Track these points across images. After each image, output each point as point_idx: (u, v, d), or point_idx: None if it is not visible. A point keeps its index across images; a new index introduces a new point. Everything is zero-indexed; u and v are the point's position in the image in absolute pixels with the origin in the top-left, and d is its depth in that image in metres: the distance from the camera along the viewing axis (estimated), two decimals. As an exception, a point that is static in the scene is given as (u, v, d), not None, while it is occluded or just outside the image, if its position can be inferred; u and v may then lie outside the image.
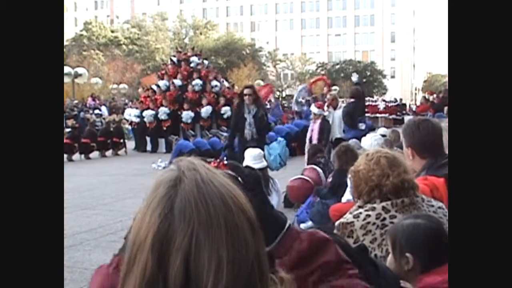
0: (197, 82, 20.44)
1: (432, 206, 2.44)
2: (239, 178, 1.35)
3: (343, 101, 14.41)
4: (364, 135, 8.14)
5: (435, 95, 24.16)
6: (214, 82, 21.14)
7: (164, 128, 19.24)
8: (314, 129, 11.23)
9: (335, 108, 12.08)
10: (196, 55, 22.58)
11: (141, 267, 0.97)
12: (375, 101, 36.18)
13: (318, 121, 11.14)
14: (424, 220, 2.11)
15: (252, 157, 6.05)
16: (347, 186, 5.38)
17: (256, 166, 5.87)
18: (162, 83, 20.74)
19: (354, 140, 8.48)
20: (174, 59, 22.35)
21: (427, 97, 24.00)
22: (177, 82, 20.52)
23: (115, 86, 41.76)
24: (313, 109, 11.58)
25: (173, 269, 0.94)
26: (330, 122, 11.61)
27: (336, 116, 11.99)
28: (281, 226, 1.37)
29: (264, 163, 6.11)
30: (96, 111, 24.35)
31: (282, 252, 1.36)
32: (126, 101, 31.86)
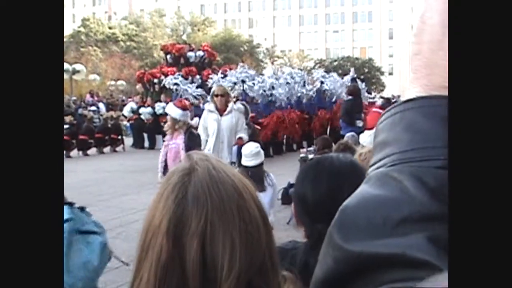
0: (196, 77, 20.36)
1: None
2: None
3: (236, 101, 10.03)
4: (362, 131, 8.12)
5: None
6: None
7: (162, 124, 19.17)
8: (173, 147, 6.70)
9: (222, 114, 7.37)
10: (191, 50, 22.63)
11: (156, 251, 0.98)
12: (373, 97, 36.11)
13: (181, 135, 6.67)
14: None
15: (246, 155, 5.76)
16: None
17: (250, 163, 5.70)
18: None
19: (351, 133, 8.44)
20: (168, 56, 22.37)
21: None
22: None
23: (113, 82, 41.70)
24: (172, 111, 6.76)
25: (190, 254, 0.96)
26: (213, 131, 7.30)
27: (225, 126, 7.34)
28: None
29: (259, 160, 5.81)
30: (93, 108, 24.34)
31: None
32: (124, 98, 31.81)
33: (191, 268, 0.95)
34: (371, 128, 7.65)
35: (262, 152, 6.02)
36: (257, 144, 6.14)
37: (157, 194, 1.03)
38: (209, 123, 7.41)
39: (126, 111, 21.03)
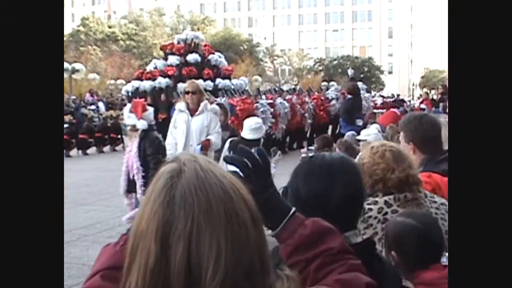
0: (194, 56, 19.98)
1: (435, 202, 2.39)
2: (245, 159, 1.36)
3: (210, 100, 8.32)
4: (361, 130, 8.15)
5: (434, 91, 24.15)
6: (213, 57, 20.57)
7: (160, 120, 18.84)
8: (132, 150, 6.07)
9: (193, 114, 6.52)
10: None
11: (144, 255, 0.97)
12: (373, 96, 36.13)
13: (136, 140, 5.99)
14: (414, 221, 2.09)
15: (246, 127, 5.80)
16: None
17: (246, 136, 5.74)
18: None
19: (351, 132, 8.45)
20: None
21: (426, 91, 23.96)
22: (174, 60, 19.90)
23: (112, 81, 41.67)
24: (127, 117, 6.16)
25: (176, 257, 0.95)
26: (182, 134, 6.49)
27: (195, 128, 6.50)
28: (285, 211, 1.39)
29: (256, 136, 5.78)
30: (92, 107, 24.32)
31: (286, 237, 1.37)
32: (123, 96, 31.82)
33: (176, 271, 0.95)
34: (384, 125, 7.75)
35: (263, 128, 6.00)
36: (259, 120, 6.14)
37: (145, 197, 1.02)
38: (178, 124, 6.59)
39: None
